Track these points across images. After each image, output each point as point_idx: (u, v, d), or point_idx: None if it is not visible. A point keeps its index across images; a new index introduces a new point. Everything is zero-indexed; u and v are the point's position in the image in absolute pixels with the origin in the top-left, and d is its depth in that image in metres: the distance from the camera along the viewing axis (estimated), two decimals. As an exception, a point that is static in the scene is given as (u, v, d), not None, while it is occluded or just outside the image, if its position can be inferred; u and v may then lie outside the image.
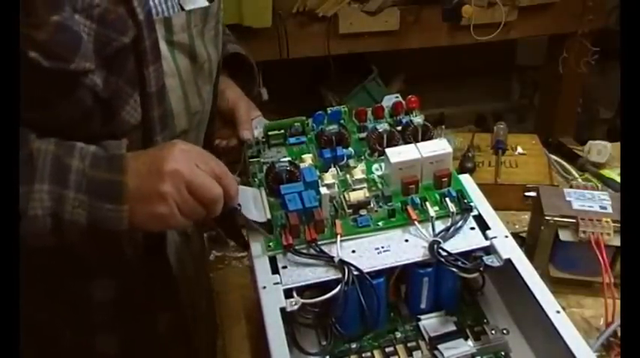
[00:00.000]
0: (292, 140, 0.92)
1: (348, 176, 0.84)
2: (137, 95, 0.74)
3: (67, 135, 0.70)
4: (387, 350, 0.76)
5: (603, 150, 1.32)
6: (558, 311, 0.69)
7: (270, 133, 0.91)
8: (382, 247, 0.77)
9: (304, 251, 0.75)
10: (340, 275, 0.72)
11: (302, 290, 0.72)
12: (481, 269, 0.74)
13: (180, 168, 0.67)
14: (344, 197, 0.80)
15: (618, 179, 1.23)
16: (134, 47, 0.71)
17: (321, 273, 0.73)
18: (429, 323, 0.79)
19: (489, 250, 0.76)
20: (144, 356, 0.89)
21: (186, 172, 0.67)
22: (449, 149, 0.84)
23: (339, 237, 0.76)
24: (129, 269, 0.82)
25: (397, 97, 0.96)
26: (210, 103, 0.91)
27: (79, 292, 0.81)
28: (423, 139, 0.88)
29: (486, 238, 0.77)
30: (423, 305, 0.79)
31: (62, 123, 0.70)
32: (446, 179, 0.83)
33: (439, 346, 0.74)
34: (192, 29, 0.80)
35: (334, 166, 0.85)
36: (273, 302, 0.70)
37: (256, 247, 0.77)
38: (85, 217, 0.66)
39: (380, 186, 0.84)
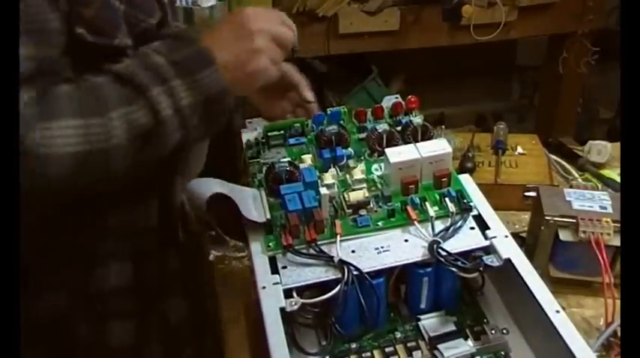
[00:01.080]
0: (292, 141, 0.92)
1: (347, 176, 0.84)
2: None
3: None
4: (386, 350, 0.76)
5: (603, 150, 1.32)
6: (558, 311, 0.69)
7: (269, 134, 0.91)
8: (382, 247, 0.77)
9: (304, 251, 0.75)
10: (340, 275, 0.72)
11: (302, 290, 0.72)
12: (481, 269, 0.74)
13: (262, 24, 0.75)
14: (344, 197, 0.81)
15: (618, 179, 1.23)
16: (158, 29, 0.75)
17: (320, 273, 0.73)
18: (429, 323, 0.79)
19: (489, 250, 0.76)
20: (157, 346, 0.90)
21: (268, 26, 0.76)
22: (449, 149, 0.84)
23: (338, 237, 0.76)
24: (144, 258, 0.84)
25: (397, 98, 0.96)
26: None
27: (95, 280, 0.82)
28: (423, 139, 0.88)
29: (486, 238, 0.77)
30: (422, 305, 0.79)
31: None
32: (445, 179, 0.83)
33: (439, 346, 0.74)
34: (215, 23, 0.82)
35: (334, 166, 0.85)
36: (272, 302, 0.70)
37: (256, 247, 0.77)
38: (196, 95, 0.70)
39: (379, 186, 0.84)
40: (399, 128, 0.90)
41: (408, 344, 0.76)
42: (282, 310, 0.69)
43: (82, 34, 0.67)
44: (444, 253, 0.74)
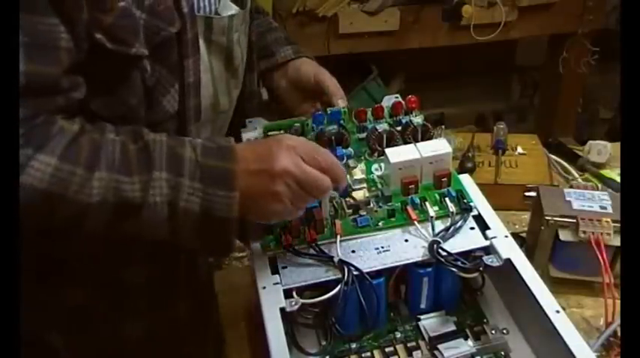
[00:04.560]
0: (292, 140, 0.92)
1: (347, 176, 0.84)
2: (177, 85, 0.76)
3: (123, 123, 0.72)
4: (386, 350, 0.76)
5: (603, 150, 1.32)
6: (558, 311, 0.69)
7: (269, 133, 0.91)
8: (382, 247, 0.77)
9: (304, 251, 0.76)
10: (340, 275, 0.72)
11: (302, 291, 0.72)
12: (481, 269, 0.74)
13: (289, 166, 0.69)
14: (345, 196, 0.80)
15: (618, 179, 1.23)
16: (177, 38, 0.74)
17: (320, 273, 0.73)
18: (429, 323, 0.79)
19: (489, 250, 0.76)
20: (167, 342, 0.91)
21: (295, 170, 0.69)
22: (448, 149, 0.84)
23: (338, 237, 0.76)
24: (161, 256, 0.84)
25: (397, 97, 0.96)
26: (234, 107, 0.93)
27: (114, 278, 0.83)
28: (423, 139, 0.88)
29: (486, 238, 0.77)
30: (422, 305, 0.79)
31: (121, 111, 0.73)
32: (445, 179, 0.83)
33: (439, 346, 0.74)
34: (233, 34, 0.85)
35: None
36: (273, 303, 0.70)
37: (256, 247, 0.77)
38: (198, 205, 0.67)
39: (380, 186, 0.84)
40: (399, 128, 0.90)
41: (408, 344, 0.76)
42: (282, 310, 0.69)
43: (101, 39, 0.67)
44: (444, 253, 0.74)
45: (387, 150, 0.83)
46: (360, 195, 0.80)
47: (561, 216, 0.94)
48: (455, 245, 0.76)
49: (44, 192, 0.62)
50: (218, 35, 0.82)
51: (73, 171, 0.64)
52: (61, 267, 0.79)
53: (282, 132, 0.91)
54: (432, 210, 0.79)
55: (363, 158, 0.89)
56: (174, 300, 0.90)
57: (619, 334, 0.87)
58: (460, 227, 0.78)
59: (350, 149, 0.88)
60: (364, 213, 0.80)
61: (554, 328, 0.67)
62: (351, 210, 0.80)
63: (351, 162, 0.86)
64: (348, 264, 0.72)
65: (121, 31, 0.68)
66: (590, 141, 1.35)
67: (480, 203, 0.82)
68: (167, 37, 0.73)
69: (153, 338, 0.88)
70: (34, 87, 0.63)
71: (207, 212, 0.68)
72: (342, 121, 0.92)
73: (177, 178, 0.67)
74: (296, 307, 0.70)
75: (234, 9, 0.84)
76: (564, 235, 0.94)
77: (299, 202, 0.71)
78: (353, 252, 0.76)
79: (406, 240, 0.78)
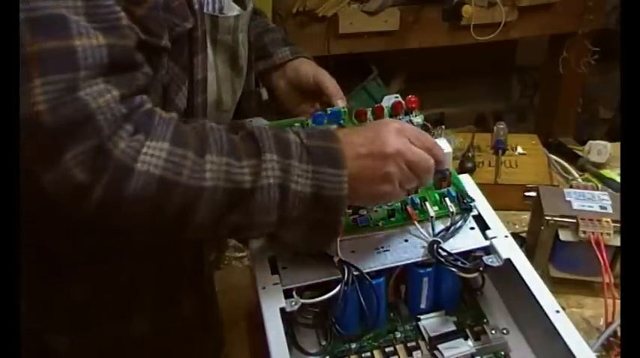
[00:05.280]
0: (292, 140, 0.92)
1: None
2: (187, 82, 0.76)
3: None
4: (386, 350, 0.76)
5: (603, 150, 1.32)
6: (558, 311, 0.69)
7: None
8: (382, 247, 0.77)
9: (304, 251, 0.75)
10: (340, 275, 0.72)
11: (302, 291, 0.72)
12: (481, 269, 0.74)
13: (401, 148, 0.70)
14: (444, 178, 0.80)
15: (618, 179, 1.23)
16: (189, 35, 0.74)
17: (321, 273, 0.73)
18: (429, 323, 0.79)
19: (489, 250, 0.76)
20: (172, 341, 0.91)
21: (406, 152, 0.70)
22: (449, 149, 0.83)
23: (338, 237, 0.76)
24: (166, 253, 0.84)
25: (397, 97, 0.96)
26: (235, 106, 0.94)
27: (119, 275, 0.82)
28: (423, 139, 0.88)
29: (486, 238, 0.77)
30: (422, 305, 0.79)
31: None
32: (446, 179, 0.83)
33: (439, 346, 0.74)
34: (238, 34, 0.85)
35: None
36: (273, 303, 0.70)
37: (256, 247, 0.77)
38: (309, 186, 0.67)
39: (380, 186, 0.84)
40: (399, 128, 0.90)
41: (408, 344, 0.76)
42: (282, 310, 0.69)
43: (136, 29, 0.66)
44: (444, 253, 0.74)
45: (387, 150, 0.83)
46: (360, 195, 0.80)
47: (561, 216, 0.94)
48: (455, 245, 0.76)
49: (160, 179, 0.61)
50: (224, 34, 0.83)
51: (185, 155, 0.62)
52: (65, 264, 0.79)
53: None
54: (432, 210, 0.79)
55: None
56: (180, 297, 0.90)
57: (619, 334, 0.87)
58: (460, 227, 0.78)
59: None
60: (364, 212, 0.80)
61: (554, 328, 0.67)
62: (351, 210, 0.80)
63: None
64: (348, 264, 0.72)
65: (152, 22, 0.68)
66: (590, 141, 1.35)
67: (480, 203, 0.82)
68: (181, 34, 0.73)
69: (158, 335, 0.88)
70: (117, 62, 0.62)
71: (318, 192, 0.67)
72: (342, 121, 0.91)
73: (287, 160, 0.66)
74: (296, 307, 0.70)
75: (237, 9, 0.85)
76: (564, 235, 0.94)
77: (406, 183, 0.72)
78: (353, 252, 0.76)
79: (406, 240, 0.78)
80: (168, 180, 0.61)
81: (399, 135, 0.71)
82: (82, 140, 0.58)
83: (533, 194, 1.07)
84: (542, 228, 0.95)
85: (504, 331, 0.77)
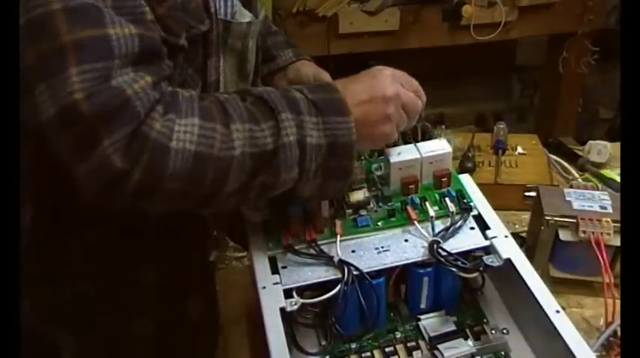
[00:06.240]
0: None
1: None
2: (200, 84, 0.77)
3: None
4: (386, 350, 0.76)
5: (603, 150, 1.32)
6: (558, 311, 0.69)
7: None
8: (382, 247, 0.77)
9: (304, 251, 0.76)
10: (340, 275, 0.72)
11: (302, 290, 0.72)
12: (481, 269, 0.74)
13: (398, 90, 0.75)
14: (344, 197, 0.80)
15: (618, 179, 1.23)
16: (204, 38, 0.75)
17: (321, 273, 0.73)
18: (429, 323, 0.79)
19: (489, 250, 0.76)
20: (177, 340, 0.91)
21: (402, 94, 0.76)
22: (448, 149, 0.84)
23: (338, 237, 0.76)
24: (173, 256, 0.84)
25: (397, 97, 0.96)
26: None
27: (125, 273, 0.83)
28: (423, 139, 0.88)
29: (486, 238, 0.77)
30: (422, 305, 0.79)
31: None
32: (445, 179, 0.83)
33: (439, 346, 0.74)
34: (249, 41, 0.86)
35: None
36: (272, 302, 0.70)
37: (256, 247, 0.77)
38: (324, 137, 0.70)
39: (380, 186, 0.84)
40: (399, 128, 0.90)
41: (408, 344, 0.76)
42: (282, 310, 0.69)
43: (157, 26, 0.67)
44: (444, 253, 0.74)
45: (387, 150, 0.84)
46: (360, 195, 0.80)
47: (561, 216, 0.94)
48: (455, 245, 0.76)
49: (195, 154, 0.63)
50: (235, 39, 0.84)
51: (214, 128, 0.64)
52: (72, 261, 0.79)
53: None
54: (432, 210, 0.79)
55: (363, 158, 0.89)
56: (185, 297, 0.90)
57: (619, 334, 0.87)
58: (460, 227, 0.78)
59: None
60: (364, 213, 0.80)
61: (554, 328, 0.67)
62: (351, 210, 0.80)
63: (351, 162, 0.86)
64: (348, 264, 0.72)
65: (171, 21, 0.69)
66: (590, 141, 1.35)
67: (480, 203, 0.82)
68: (196, 35, 0.74)
69: (163, 335, 0.88)
70: (147, 51, 0.63)
71: (333, 141, 0.70)
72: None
73: (299, 116, 0.69)
74: (296, 307, 0.70)
75: (248, 16, 0.86)
76: (564, 235, 0.94)
77: (401, 124, 0.77)
78: (353, 251, 0.76)
79: (406, 240, 0.78)
80: (203, 154, 0.63)
81: (394, 79, 0.76)
82: (120, 126, 0.59)
83: (533, 194, 1.07)
84: (542, 228, 0.95)
85: (504, 331, 0.77)
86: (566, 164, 1.35)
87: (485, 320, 0.79)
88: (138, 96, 0.60)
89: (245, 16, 0.85)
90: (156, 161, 0.61)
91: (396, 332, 0.78)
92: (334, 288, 0.71)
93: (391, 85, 0.75)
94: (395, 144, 0.87)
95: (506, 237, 0.77)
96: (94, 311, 0.83)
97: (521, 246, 0.84)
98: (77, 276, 0.80)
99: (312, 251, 0.76)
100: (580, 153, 1.37)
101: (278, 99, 0.69)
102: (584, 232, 0.91)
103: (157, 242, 0.81)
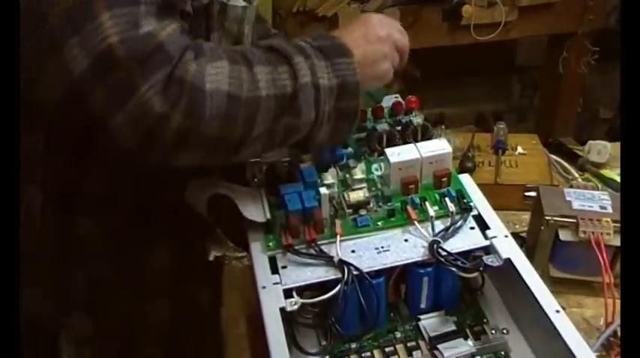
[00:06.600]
0: (292, 140, 0.91)
1: (347, 176, 0.84)
2: None
3: None
4: (386, 349, 0.76)
5: (603, 150, 1.32)
6: (558, 311, 0.69)
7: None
8: (382, 247, 0.77)
9: (304, 251, 0.75)
10: (340, 275, 0.72)
11: (302, 290, 0.72)
12: (481, 268, 0.74)
13: (389, 31, 0.81)
14: (344, 197, 0.80)
15: (618, 179, 1.23)
16: (205, 12, 0.77)
17: (320, 273, 0.73)
18: (429, 323, 0.79)
19: (489, 250, 0.76)
20: (188, 328, 0.92)
21: (393, 34, 0.82)
22: (448, 149, 0.84)
23: (338, 236, 0.76)
24: (185, 241, 0.85)
25: (397, 97, 0.96)
26: None
27: (138, 258, 0.84)
28: (423, 139, 0.88)
29: (486, 238, 0.77)
30: (422, 305, 0.79)
31: None
32: (445, 179, 0.83)
33: (439, 346, 0.74)
34: (245, 26, 0.87)
35: (334, 166, 0.85)
36: (272, 302, 0.70)
37: (256, 247, 0.77)
38: (333, 78, 0.73)
39: (380, 186, 0.84)
40: (399, 128, 0.90)
41: (408, 344, 0.76)
42: (282, 310, 0.69)
43: None
44: (444, 253, 0.74)
45: (387, 150, 0.83)
46: (360, 195, 0.80)
47: (561, 216, 0.94)
48: (455, 245, 0.76)
49: (228, 95, 0.65)
50: (231, 22, 0.84)
51: (240, 69, 0.67)
52: (83, 244, 0.79)
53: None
54: (431, 210, 0.79)
55: (362, 158, 0.89)
56: (197, 285, 0.91)
57: (619, 334, 0.87)
58: (460, 227, 0.78)
59: (350, 149, 0.88)
60: (364, 212, 0.80)
61: (554, 328, 0.67)
62: (351, 210, 0.80)
63: (351, 162, 0.86)
64: (348, 264, 0.72)
65: None
66: (590, 141, 1.35)
67: (480, 203, 0.82)
68: (198, 7, 0.74)
69: (176, 321, 0.88)
70: (169, 3, 0.65)
71: (342, 82, 0.73)
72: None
73: (309, 61, 0.72)
74: (296, 307, 0.70)
75: (243, 2, 0.86)
76: (564, 235, 0.94)
77: (395, 62, 0.82)
78: (353, 251, 0.76)
79: (406, 240, 0.78)
80: (234, 95, 0.65)
81: (383, 21, 0.82)
82: (156, 70, 0.61)
83: (533, 194, 1.07)
84: (542, 228, 0.95)
85: (504, 331, 0.77)
86: (566, 164, 1.35)
87: (485, 320, 0.79)
88: (170, 40, 0.62)
89: (240, 1, 0.86)
90: (194, 103, 0.63)
91: (396, 332, 0.78)
92: (334, 288, 0.71)
93: (382, 27, 0.80)
94: (395, 145, 0.87)
95: (506, 236, 0.77)
96: (108, 295, 0.83)
97: (521, 246, 0.84)
98: (90, 259, 0.80)
99: (312, 251, 0.75)
100: (580, 153, 1.37)
101: (288, 46, 0.72)
102: (584, 232, 0.91)
103: (168, 226, 0.82)
